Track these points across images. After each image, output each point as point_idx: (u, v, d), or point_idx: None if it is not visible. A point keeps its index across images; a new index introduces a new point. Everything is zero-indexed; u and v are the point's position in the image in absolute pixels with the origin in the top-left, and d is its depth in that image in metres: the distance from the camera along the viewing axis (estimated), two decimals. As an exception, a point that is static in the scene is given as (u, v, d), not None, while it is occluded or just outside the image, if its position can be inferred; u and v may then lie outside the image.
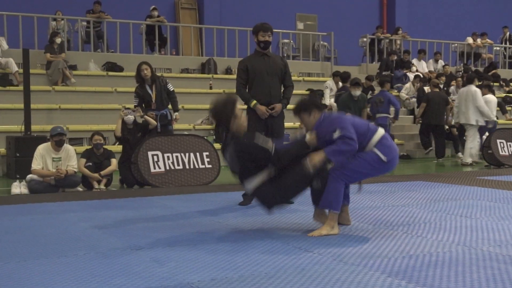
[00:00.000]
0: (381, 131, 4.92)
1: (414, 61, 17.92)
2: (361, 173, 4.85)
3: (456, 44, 19.94)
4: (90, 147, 8.95)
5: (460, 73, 18.04)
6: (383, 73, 16.98)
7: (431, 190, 7.69)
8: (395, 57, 17.30)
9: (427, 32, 21.14)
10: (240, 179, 4.85)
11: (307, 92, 15.49)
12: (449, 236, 4.75)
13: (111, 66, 14.32)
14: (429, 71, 17.74)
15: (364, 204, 6.54)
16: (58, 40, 13.44)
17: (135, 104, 9.07)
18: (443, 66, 18.08)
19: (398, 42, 19.01)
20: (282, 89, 6.82)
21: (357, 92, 10.23)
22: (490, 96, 12.49)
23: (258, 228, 5.11)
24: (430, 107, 12.82)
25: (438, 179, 8.99)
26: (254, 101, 6.53)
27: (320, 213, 5.07)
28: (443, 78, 15.59)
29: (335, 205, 4.80)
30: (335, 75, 14.48)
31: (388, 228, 5.11)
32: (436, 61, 18.52)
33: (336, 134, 4.71)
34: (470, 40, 19.90)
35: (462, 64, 19.35)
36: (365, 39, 18.37)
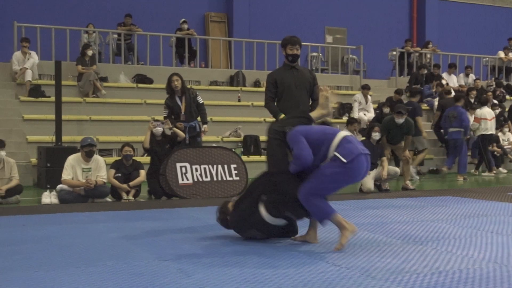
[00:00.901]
0: (341, 134, 4.80)
1: (444, 75, 17.75)
2: (326, 188, 4.71)
3: (487, 58, 19.72)
4: (119, 158, 9.04)
5: (492, 87, 17.82)
6: (413, 87, 16.84)
7: (461, 206, 7.58)
8: (425, 71, 17.17)
9: (457, 45, 20.96)
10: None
11: (336, 105, 15.44)
12: (479, 253, 4.67)
13: (141, 78, 14.46)
14: (460, 85, 17.55)
15: (392, 219, 6.47)
16: (90, 53, 13.63)
17: (165, 115, 9.13)
18: (474, 81, 17.87)
19: (428, 55, 18.88)
20: (310, 102, 6.81)
21: (400, 120, 10.08)
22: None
23: (285, 241, 5.08)
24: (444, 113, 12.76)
25: (468, 195, 8.86)
26: (282, 115, 6.51)
27: (309, 232, 5.05)
28: (474, 92, 15.41)
29: (327, 213, 4.73)
30: (364, 88, 14.43)
31: (417, 244, 5.04)
32: (467, 75, 18.32)
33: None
34: (501, 54, 19.66)
35: (493, 79, 19.11)
36: (394, 53, 18.28)
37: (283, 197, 4.78)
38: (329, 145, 4.72)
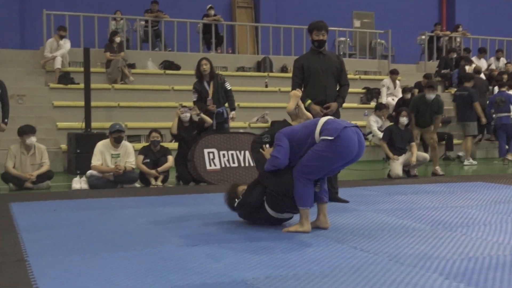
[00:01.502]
0: (321, 120, 4.81)
1: (474, 59, 17.46)
2: (317, 166, 4.69)
3: (519, 41, 19.36)
4: (147, 144, 9.10)
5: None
6: (442, 71, 16.63)
7: (492, 192, 7.49)
8: (455, 55, 16.91)
9: (488, 29, 20.57)
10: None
11: (364, 90, 15.33)
12: (510, 239, 4.62)
13: (168, 65, 14.51)
14: (490, 69, 17.26)
15: (421, 205, 6.43)
16: (118, 39, 13.71)
17: (194, 99, 9.15)
18: (506, 64, 17.55)
19: (458, 39, 18.58)
20: (338, 87, 6.77)
21: (431, 95, 9.90)
22: None
23: (313, 227, 5.09)
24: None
25: (499, 180, 8.75)
26: (309, 101, 6.49)
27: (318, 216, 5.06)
28: (505, 76, 15.15)
29: (302, 202, 4.76)
30: (392, 73, 14.29)
31: (446, 229, 5.00)
32: (498, 58, 17.99)
33: None
34: (534, 36, 19.29)
35: (525, 62, 18.75)
36: (423, 37, 18.04)
37: (280, 192, 4.84)
38: (313, 135, 4.75)
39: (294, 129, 4.96)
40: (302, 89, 6.68)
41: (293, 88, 6.70)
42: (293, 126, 5.07)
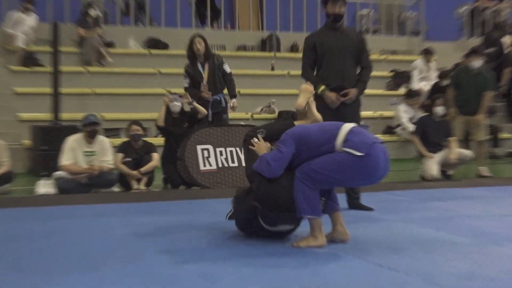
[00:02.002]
0: (346, 127, 4.77)
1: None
2: (331, 177, 4.68)
3: None
4: (127, 139, 9.08)
5: None
6: (486, 50, 16.55)
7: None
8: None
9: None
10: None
11: (391, 74, 15.29)
12: None
13: (154, 43, 14.50)
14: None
15: (462, 213, 6.41)
16: (93, 13, 13.70)
17: (185, 85, 9.13)
18: None
19: (505, 12, 18.50)
20: (358, 71, 6.73)
21: (476, 63, 9.72)
22: None
23: (328, 240, 5.05)
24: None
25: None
26: (323, 87, 6.46)
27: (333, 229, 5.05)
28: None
29: (311, 209, 4.73)
30: (426, 53, 14.24)
31: (492, 243, 4.98)
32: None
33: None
34: None
35: None
36: (463, 9, 17.98)
37: (271, 205, 4.81)
38: (333, 142, 4.71)
39: (308, 131, 4.89)
40: (315, 73, 6.65)
41: (304, 73, 6.68)
42: (306, 126, 5.02)
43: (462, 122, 9.93)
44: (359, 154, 4.60)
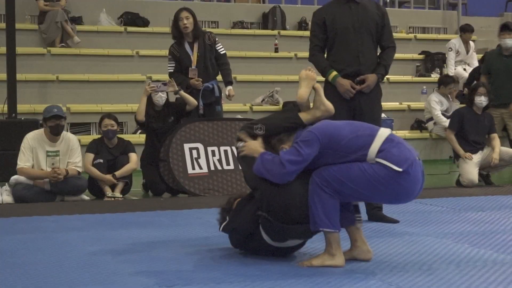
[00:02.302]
0: (382, 134, 4.78)
1: None
2: (355, 190, 4.70)
3: None
4: (99, 136, 9.10)
5: None
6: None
7: None
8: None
9: None
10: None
11: (421, 57, 15.30)
12: None
13: (131, 19, 14.48)
14: None
15: (505, 226, 6.44)
16: (56, -19, 13.68)
17: (171, 70, 9.14)
18: None
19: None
20: (378, 52, 6.75)
21: (509, 42, 9.71)
22: None
23: (347, 259, 5.08)
24: None
25: None
26: (334, 73, 6.47)
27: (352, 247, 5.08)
28: None
29: (329, 222, 4.72)
30: (464, 31, 14.26)
31: (543, 263, 5.01)
32: None
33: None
34: None
35: None
36: (510, -23, 18.01)
37: (283, 217, 4.81)
38: (366, 150, 4.71)
39: (339, 131, 4.85)
40: (325, 55, 6.66)
41: (311, 56, 6.69)
42: (337, 125, 4.95)
43: (497, 116, 9.99)
44: (398, 169, 4.61)
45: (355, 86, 6.47)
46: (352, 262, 4.96)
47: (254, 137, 5.06)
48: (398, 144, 4.75)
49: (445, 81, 12.65)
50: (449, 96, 12.68)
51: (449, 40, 14.79)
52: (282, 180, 4.76)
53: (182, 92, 8.92)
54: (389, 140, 4.74)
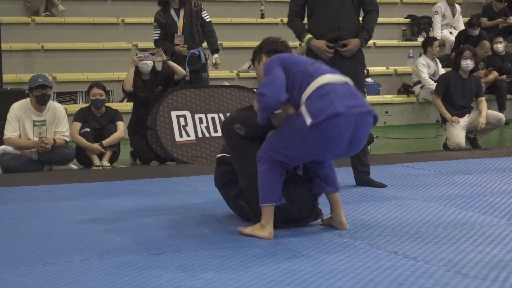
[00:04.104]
0: (323, 78, 4.62)
1: None
2: (285, 153, 4.63)
3: None
4: (86, 105, 9.07)
5: None
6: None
7: None
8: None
9: None
10: None
11: (408, 21, 15.26)
12: None
13: (116, -15, 14.40)
14: None
15: (493, 189, 6.47)
16: None
17: (156, 37, 9.10)
18: None
19: None
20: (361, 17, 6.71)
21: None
22: None
23: (327, 224, 5.10)
24: None
25: None
26: (308, 35, 6.43)
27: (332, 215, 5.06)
28: None
29: (266, 196, 4.70)
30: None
31: (530, 224, 5.05)
32: None
33: None
34: None
35: None
36: None
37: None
38: (302, 90, 4.60)
39: (294, 59, 4.82)
40: (307, 21, 6.61)
41: (289, 21, 6.64)
42: (294, 56, 4.97)
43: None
44: (307, 121, 4.47)
45: (330, 45, 6.37)
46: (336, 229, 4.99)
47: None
48: (326, 94, 4.53)
49: (429, 41, 12.68)
50: (436, 59, 12.70)
51: (435, 3, 14.77)
52: (270, 104, 4.57)
53: (170, 62, 8.90)
54: (321, 87, 4.56)
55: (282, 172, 4.71)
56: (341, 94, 4.56)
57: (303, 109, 4.53)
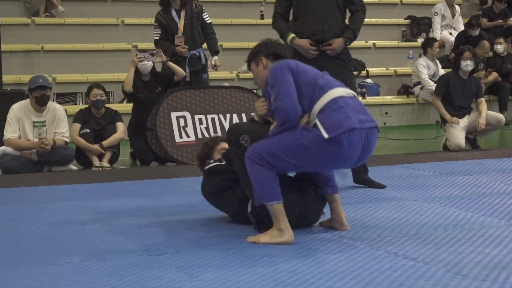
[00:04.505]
0: (335, 92, 4.60)
1: None
2: (283, 158, 4.53)
3: None
4: (86, 106, 9.07)
5: None
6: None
7: None
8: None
9: None
10: None
11: (407, 22, 15.26)
12: None
13: (116, -14, 14.40)
14: None
15: (493, 189, 6.47)
16: None
17: (156, 37, 9.10)
18: None
19: None
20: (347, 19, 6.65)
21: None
22: None
23: (326, 225, 5.10)
24: None
25: None
26: (291, 35, 6.39)
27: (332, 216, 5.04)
28: None
29: (269, 194, 4.58)
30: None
31: (529, 225, 5.05)
32: None
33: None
34: None
35: None
36: None
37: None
38: (313, 103, 4.57)
39: (302, 68, 4.77)
40: (293, 24, 6.57)
41: (273, 22, 6.64)
42: (302, 63, 4.87)
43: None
44: (325, 135, 4.44)
45: (313, 43, 6.32)
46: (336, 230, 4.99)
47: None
48: (341, 107, 4.53)
49: (429, 42, 12.69)
50: (436, 60, 12.71)
51: (435, 4, 14.78)
52: (289, 116, 4.53)
53: (170, 63, 8.90)
54: (335, 101, 4.56)
55: (275, 172, 4.62)
56: (354, 108, 4.60)
57: (317, 122, 4.50)
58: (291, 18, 6.72)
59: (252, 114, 5.01)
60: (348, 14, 6.66)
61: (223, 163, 5.09)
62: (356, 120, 4.52)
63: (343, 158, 4.55)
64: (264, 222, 4.76)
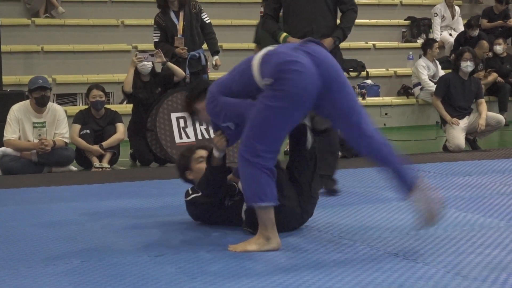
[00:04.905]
0: (259, 54, 4.49)
1: None
2: (270, 127, 4.30)
3: None
4: (86, 107, 9.07)
5: None
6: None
7: None
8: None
9: None
10: None
11: (407, 23, 15.25)
12: None
13: (115, -13, 14.40)
14: None
15: (493, 190, 6.47)
16: None
17: (156, 39, 9.10)
18: None
19: None
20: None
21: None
22: None
23: (329, 223, 5.11)
24: None
25: None
26: (284, 34, 6.36)
27: None
28: None
29: (262, 196, 4.35)
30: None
31: (529, 226, 5.04)
32: None
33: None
34: None
35: None
36: None
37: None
38: (252, 79, 4.44)
39: (225, 81, 4.71)
40: (282, 25, 6.55)
41: (263, 23, 6.62)
42: (220, 80, 4.82)
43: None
44: (268, 81, 4.31)
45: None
46: (339, 229, 4.99)
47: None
48: (274, 53, 4.43)
49: (429, 43, 12.70)
50: (436, 61, 12.71)
51: (435, 5, 14.78)
52: (244, 114, 4.44)
53: (169, 63, 8.90)
54: (266, 55, 4.45)
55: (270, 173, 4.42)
56: (283, 47, 4.62)
57: (265, 80, 4.35)
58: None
59: (214, 150, 4.93)
60: (339, 14, 6.60)
61: (199, 194, 5.07)
62: (290, 48, 4.44)
63: (306, 82, 4.28)
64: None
